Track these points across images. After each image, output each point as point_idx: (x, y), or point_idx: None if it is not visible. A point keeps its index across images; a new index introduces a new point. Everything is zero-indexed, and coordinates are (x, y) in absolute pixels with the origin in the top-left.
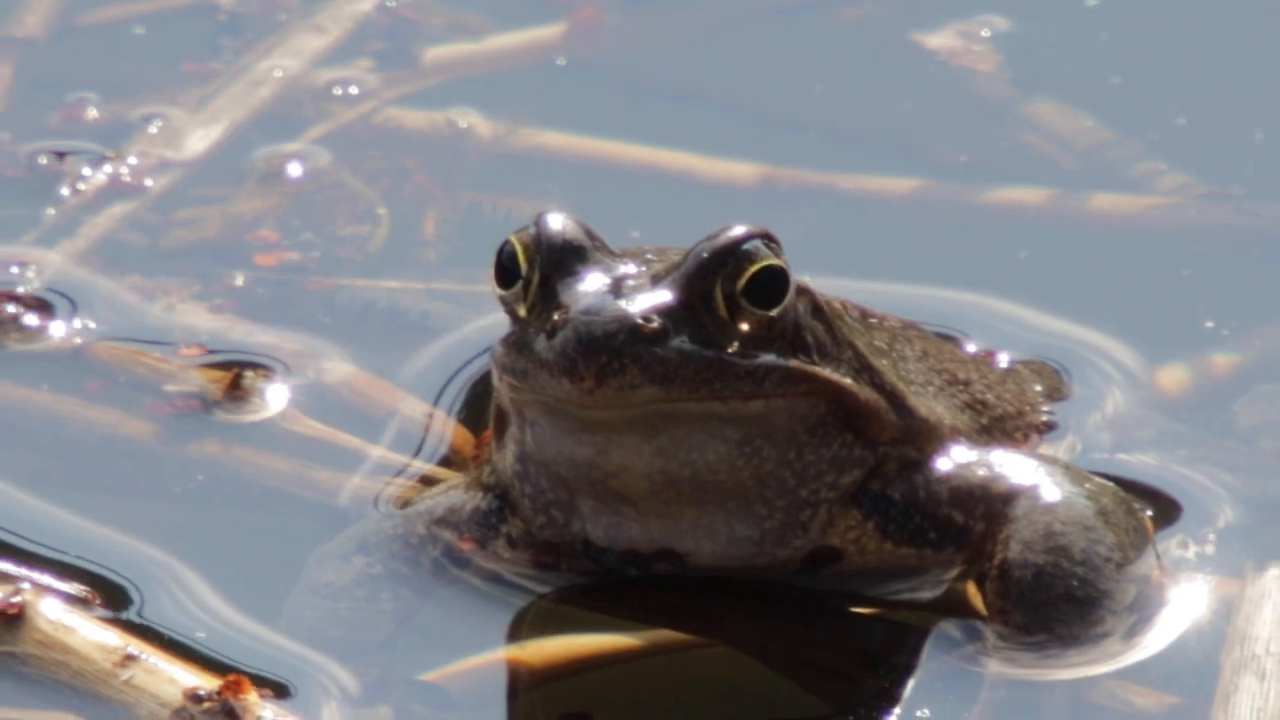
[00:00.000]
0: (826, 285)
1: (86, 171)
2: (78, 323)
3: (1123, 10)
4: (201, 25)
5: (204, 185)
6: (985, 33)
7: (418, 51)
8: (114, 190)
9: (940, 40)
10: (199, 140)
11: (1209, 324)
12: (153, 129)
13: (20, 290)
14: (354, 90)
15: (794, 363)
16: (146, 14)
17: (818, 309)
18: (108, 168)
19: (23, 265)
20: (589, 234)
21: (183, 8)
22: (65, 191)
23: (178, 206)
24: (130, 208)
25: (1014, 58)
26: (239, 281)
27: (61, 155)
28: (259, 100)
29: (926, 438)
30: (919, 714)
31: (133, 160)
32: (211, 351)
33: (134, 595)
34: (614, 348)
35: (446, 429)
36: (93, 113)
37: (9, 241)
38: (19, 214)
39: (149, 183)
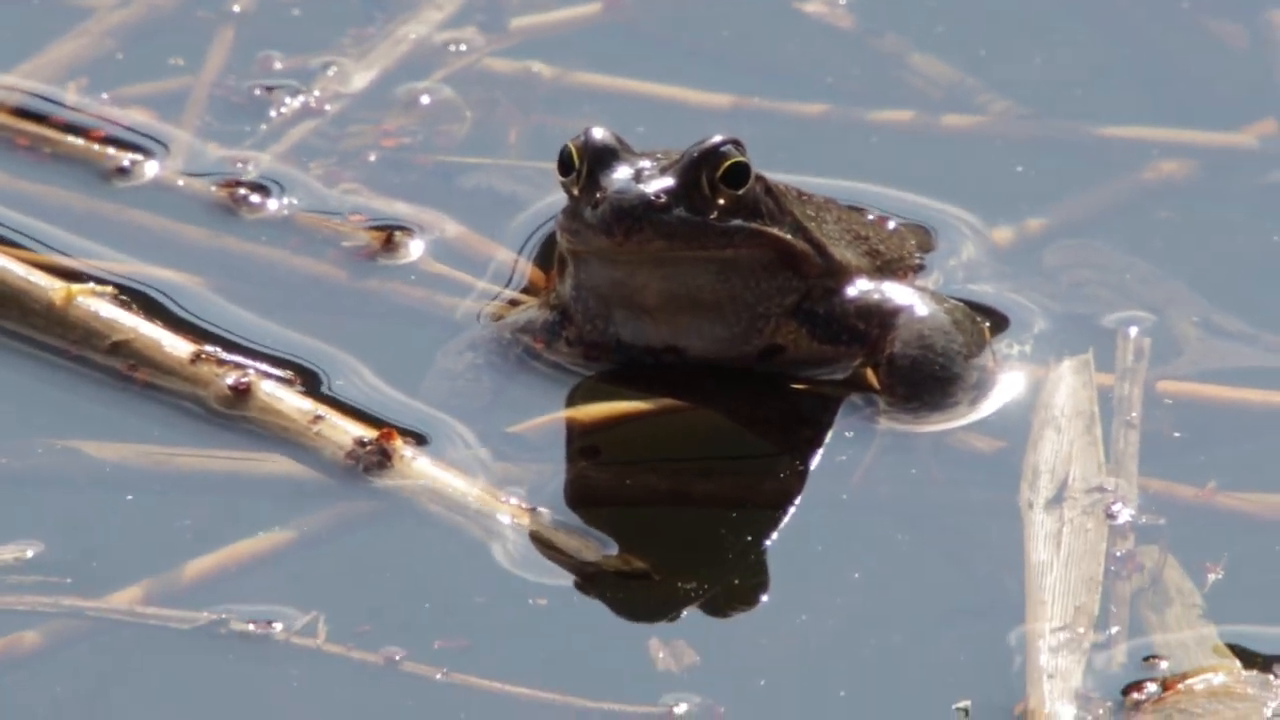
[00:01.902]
0: (774, 174)
1: (287, 100)
2: (285, 200)
3: None
4: (359, 3)
5: (365, 110)
6: (842, 1)
7: (505, 21)
8: (304, 112)
9: (812, 7)
10: (360, 80)
11: (1019, 168)
12: (330, 72)
13: (244, 178)
14: (463, 47)
15: (753, 225)
16: None
17: (769, 189)
18: (301, 98)
19: (244, 162)
20: (619, 140)
21: None
22: (273, 113)
23: (347, 124)
24: (315, 124)
25: (863, 16)
26: (372, 158)
27: (270, 89)
28: (400, 53)
29: (840, 274)
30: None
31: (317, 93)
32: (372, 219)
33: (322, 377)
34: (636, 215)
35: (526, 268)
36: (290, 61)
37: (235, 146)
38: (242, 128)
39: (328, 108)
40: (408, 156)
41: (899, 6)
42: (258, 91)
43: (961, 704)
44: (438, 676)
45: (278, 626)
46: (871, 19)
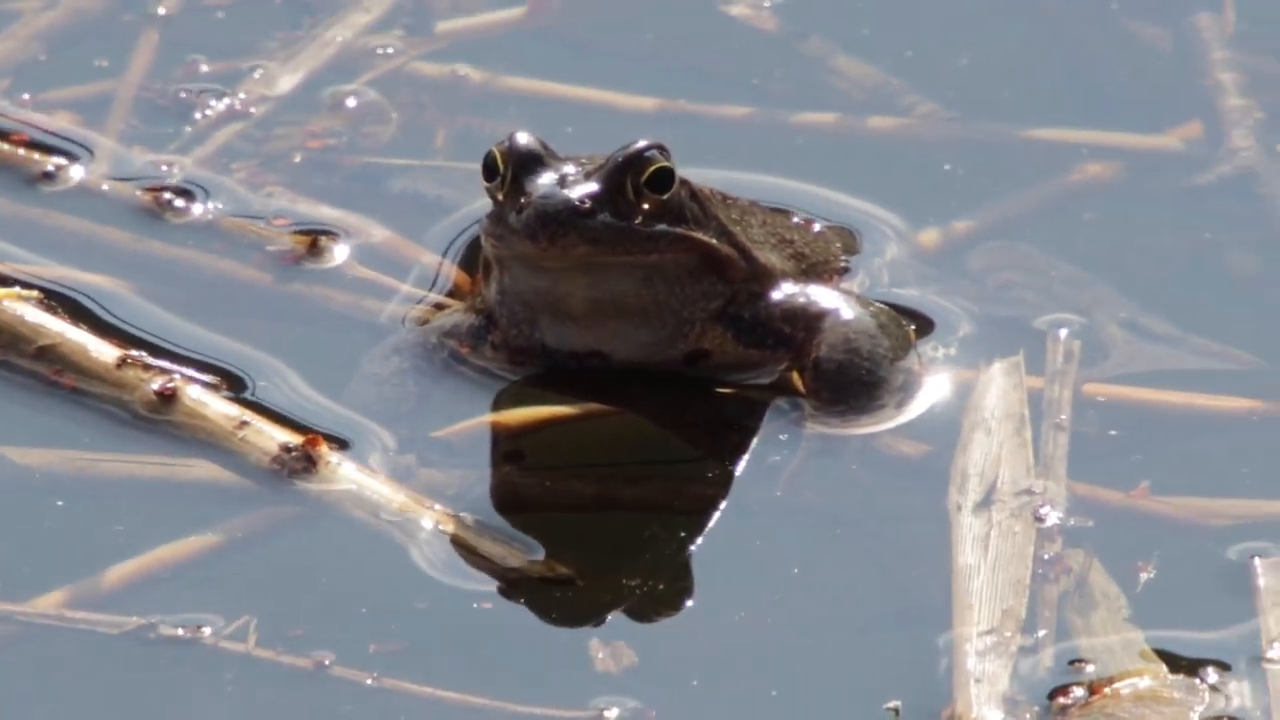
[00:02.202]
0: (698, 176)
1: (212, 103)
2: (210, 204)
3: None
4: (284, 7)
5: (290, 113)
6: (767, 3)
7: (431, 24)
8: (230, 115)
9: (736, 9)
10: (286, 83)
11: (946, 166)
12: (255, 75)
13: (169, 182)
14: (390, 50)
15: (678, 230)
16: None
17: (694, 194)
18: (226, 100)
19: (169, 165)
20: (544, 145)
21: None
22: (198, 116)
23: (273, 127)
24: (241, 127)
25: (787, 19)
26: (297, 160)
27: (196, 92)
28: (326, 56)
29: (765, 278)
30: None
31: (242, 96)
32: (297, 223)
33: (248, 382)
34: (560, 221)
35: (451, 272)
36: (216, 65)
37: (160, 150)
38: (167, 131)
39: (253, 110)
40: (333, 159)
41: (824, 9)
42: (183, 94)
43: (892, 704)
44: (368, 681)
45: (207, 631)
46: (796, 21)
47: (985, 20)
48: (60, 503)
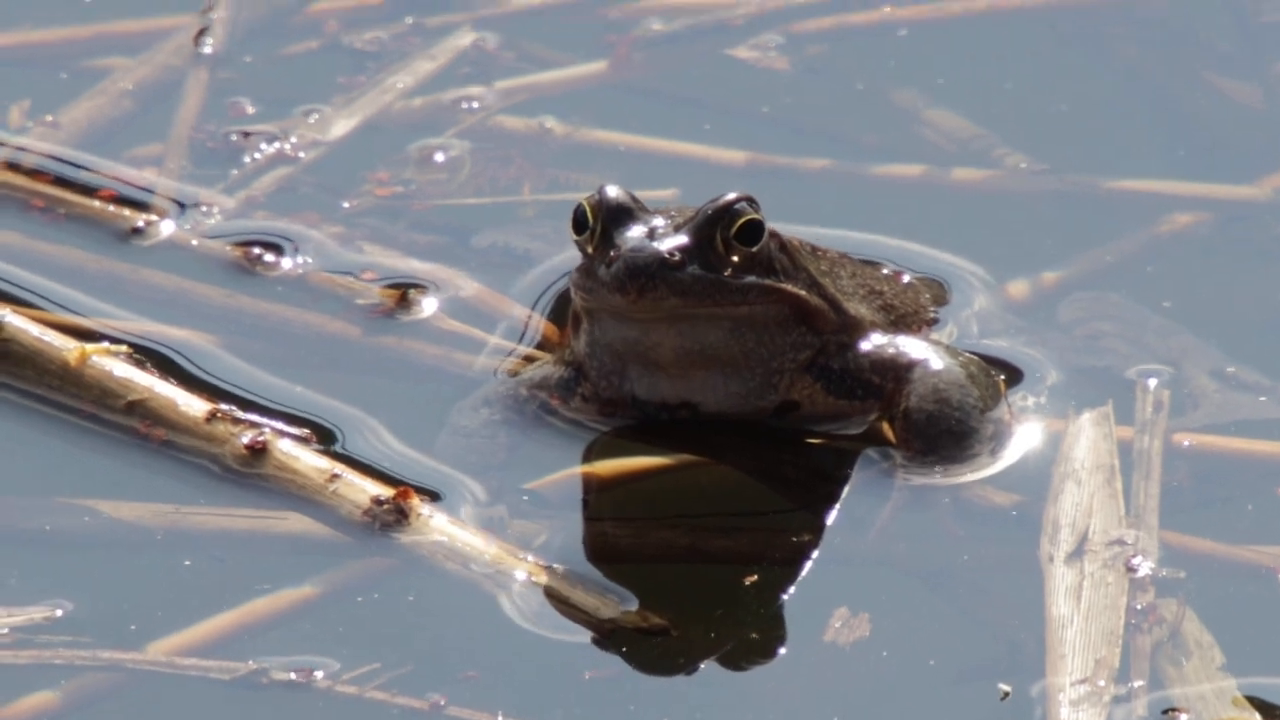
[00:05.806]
0: (787, 229)
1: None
2: (299, 258)
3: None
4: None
5: (378, 167)
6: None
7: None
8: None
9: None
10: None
11: (1033, 222)
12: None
13: (257, 237)
14: (475, 105)
15: (767, 282)
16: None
17: (783, 246)
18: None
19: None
20: (633, 198)
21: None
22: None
23: (359, 183)
24: (321, 181)
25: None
26: (385, 215)
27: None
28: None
29: (855, 329)
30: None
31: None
32: (385, 276)
33: (338, 435)
34: (650, 274)
35: (541, 325)
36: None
37: (250, 209)
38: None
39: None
40: (420, 215)
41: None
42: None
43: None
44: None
45: (319, 675)
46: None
47: (1074, 73)
48: (152, 556)
